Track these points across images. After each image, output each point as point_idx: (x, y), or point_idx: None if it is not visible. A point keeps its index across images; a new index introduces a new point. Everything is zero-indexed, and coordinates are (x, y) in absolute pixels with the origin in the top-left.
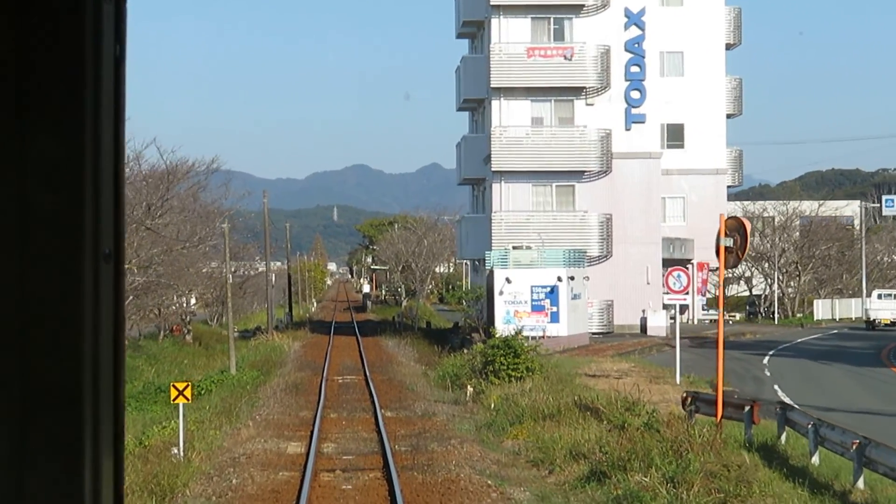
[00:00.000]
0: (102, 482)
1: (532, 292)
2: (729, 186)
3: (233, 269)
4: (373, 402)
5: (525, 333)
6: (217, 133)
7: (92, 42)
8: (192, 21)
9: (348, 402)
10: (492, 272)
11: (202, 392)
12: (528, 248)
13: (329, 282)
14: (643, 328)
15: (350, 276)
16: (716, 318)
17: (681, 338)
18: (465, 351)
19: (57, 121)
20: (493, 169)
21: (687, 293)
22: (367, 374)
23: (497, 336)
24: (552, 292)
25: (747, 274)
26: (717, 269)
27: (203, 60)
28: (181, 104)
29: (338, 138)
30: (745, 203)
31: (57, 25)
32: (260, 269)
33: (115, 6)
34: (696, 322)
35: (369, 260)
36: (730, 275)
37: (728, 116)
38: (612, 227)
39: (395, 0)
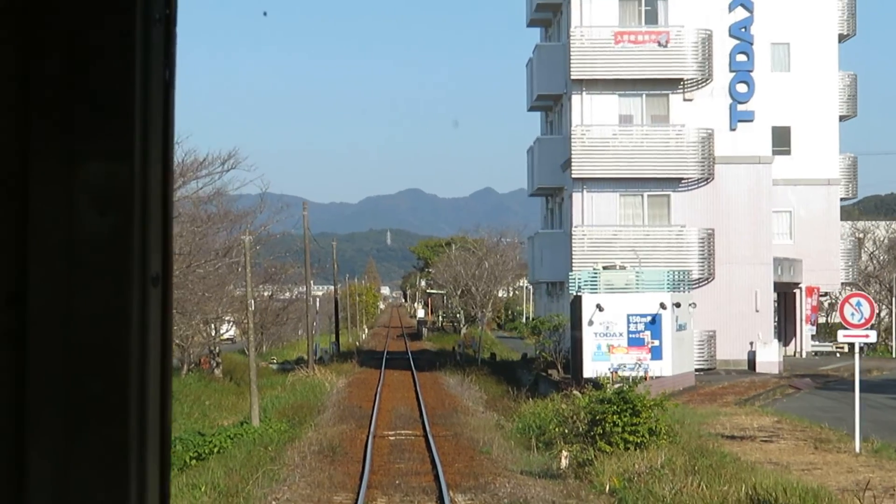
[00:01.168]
0: None
1: (629, 322)
2: (842, 199)
3: (268, 293)
4: (437, 479)
5: (621, 374)
6: (270, 157)
7: (141, 66)
8: (245, 47)
9: (403, 475)
10: (578, 298)
11: (212, 451)
12: (623, 267)
13: (382, 306)
14: (751, 364)
15: (403, 301)
16: (826, 350)
17: (796, 376)
18: (553, 397)
19: (106, 144)
20: (573, 176)
21: (871, 327)
22: (427, 426)
23: (606, 384)
24: (654, 322)
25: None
26: (827, 294)
27: (256, 86)
28: (233, 129)
29: (391, 162)
30: (858, 223)
31: (107, 49)
32: (313, 293)
33: (166, 30)
34: (804, 355)
35: (423, 283)
36: (829, 300)
37: (841, 119)
38: (714, 244)
39: (447, 22)
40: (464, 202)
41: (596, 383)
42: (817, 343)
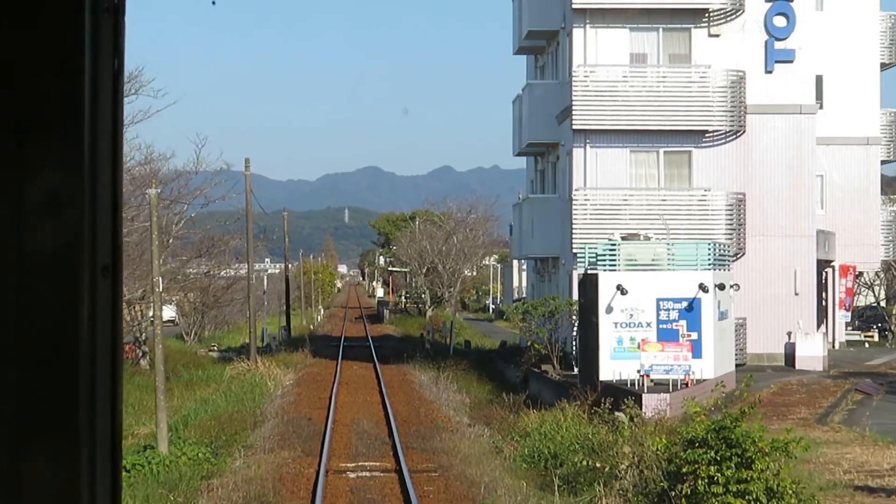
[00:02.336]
0: (98, 495)
1: (659, 309)
2: (883, 162)
3: (205, 269)
4: None
5: (653, 377)
6: (228, 134)
7: (91, 56)
8: (205, 24)
9: None
10: (592, 277)
11: None
12: (647, 238)
13: (339, 284)
14: (789, 359)
15: (361, 279)
16: (862, 339)
17: (848, 374)
18: (564, 407)
19: (56, 134)
20: (573, 127)
21: None
22: (400, 454)
23: (693, 412)
24: (691, 309)
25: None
26: (861, 273)
27: (215, 63)
28: (192, 106)
29: (350, 140)
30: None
31: (56, 39)
32: (268, 270)
33: (114, 20)
34: (836, 346)
35: (382, 261)
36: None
37: (882, 67)
38: (745, 212)
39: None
40: (422, 180)
41: (628, 391)
42: (850, 332)
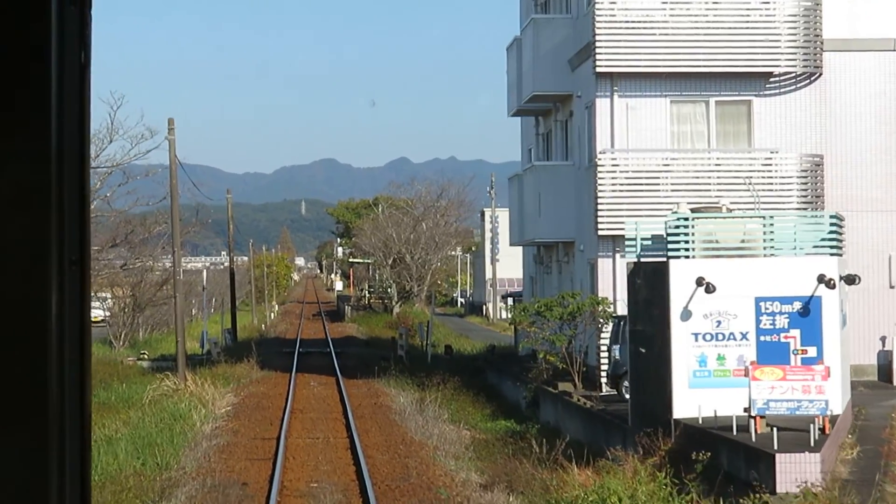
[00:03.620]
0: (68, 486)
1: (759, 313)
2: None
3: (122, 263)
4: None
5: (771, 413)
6: (182, 127)
7: (56, 48)
8: (156, 14)
9: None
10: (656, 269)
11: None
12: (729, 210)
13: (296, 277)
14: (884, 372)
15: (319, 272)
16: None
17: None
18: (636, 466)
19: (23, 126)
20: (597, 69)
21: None
22: None
23: None
24: (806, 313)
25: None
26: None
27: (170, 53)
28: (145, 98)
29: (306, 132)
30: None
31: (22, 33)
32: (224, 265)
33: (80, 12)
34: None
35: (341, 252)
36: None
37: None
38: (823, 179)
39: None
40: (379, 172)
41: (734, 442)
42: None
